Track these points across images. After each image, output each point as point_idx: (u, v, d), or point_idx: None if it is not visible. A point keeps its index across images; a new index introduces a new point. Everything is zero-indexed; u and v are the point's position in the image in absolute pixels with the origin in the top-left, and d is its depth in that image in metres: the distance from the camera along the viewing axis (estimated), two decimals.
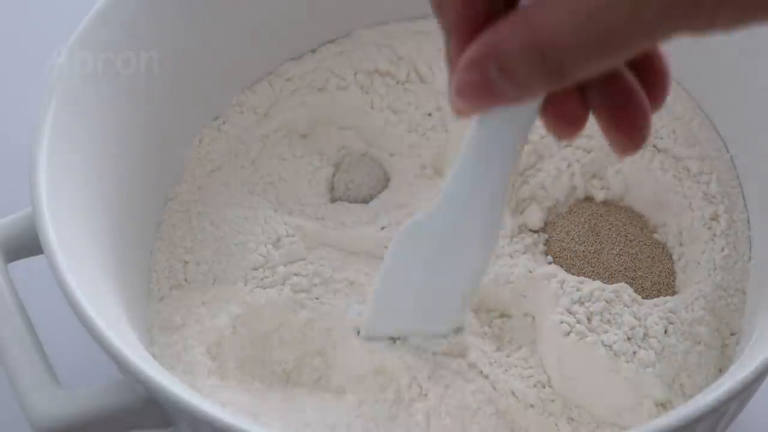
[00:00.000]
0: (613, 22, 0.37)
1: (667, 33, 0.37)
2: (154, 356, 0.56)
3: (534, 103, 0.44)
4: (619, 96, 0.43)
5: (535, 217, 0.61)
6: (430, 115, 0.66)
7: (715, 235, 0.59)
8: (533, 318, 0.58)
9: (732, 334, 0.57)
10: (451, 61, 0.42)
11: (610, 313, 0.56)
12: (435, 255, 0.52)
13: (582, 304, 0.56)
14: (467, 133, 0.46)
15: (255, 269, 0.59)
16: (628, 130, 0.43)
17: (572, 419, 0.55)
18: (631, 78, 0.43)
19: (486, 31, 0.40)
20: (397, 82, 0.66)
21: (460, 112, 0.42)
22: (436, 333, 0.56)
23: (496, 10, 0.41)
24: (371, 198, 0.64)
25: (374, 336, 0.56)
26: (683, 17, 0.37)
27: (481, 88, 0.40)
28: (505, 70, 0.39)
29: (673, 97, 0.64)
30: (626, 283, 0.58)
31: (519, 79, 0.39)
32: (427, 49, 0.66)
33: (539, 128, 0.63)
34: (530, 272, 0.58)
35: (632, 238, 0.61)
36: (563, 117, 0.44)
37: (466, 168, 0.47)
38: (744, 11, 0.36)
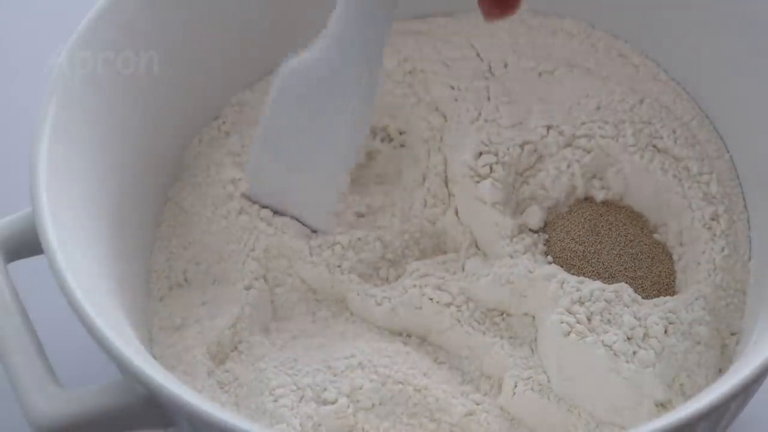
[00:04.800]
0: None
1: None
2: (154, 356, 0.56)
3: None
4: None
5: (535, 217, 0.61)
6: None
7: (715, 235, 0.59)
8: (533, 318, 0.58)
9: (732, 334, 0.57)
10: None
11: (610, 313, 0.56)
12: (315, 103, 0.54)
13: (582, 304, 0.56)
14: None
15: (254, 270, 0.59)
16: None
17: (572, 419, 0.55)
18: None
19: None
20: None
21: None
22: (310, 220, 0.59)
23: None
24: None
25: (255, 198, 0.59)
26: None
27: None
28: None
29: (673, 97, 0.64)
30: (626, 283, 0.58)
31: None
32: (427, 50, 0.66)
33: (539, 128, 0.63)
34: (530, 272, 0.58)
35: (632, 238, 0.61)
36: None
37: (350, 7, 0.50)
38: None
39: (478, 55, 0.66)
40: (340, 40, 0.53)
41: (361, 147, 0.60)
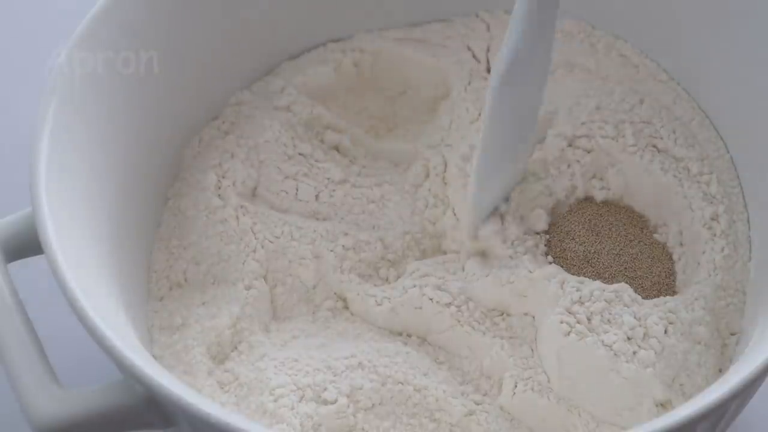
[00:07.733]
0: None
1: None
2: (154, 356, 0.56)
3: None
4: None
5: (541, 221, 0.61)
6: None
7: (715, 235, 0.59)
8: (533, 318, 0.58)
9: (732, 334, 0.57)
10: None
11: (610, 313, 0.56)
12: (520, 98, 0.56)
13: (582, 304, 0.56)
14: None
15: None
16: None
17: (572, 419, 0.55)
18: None
19: None
20: None
21: None
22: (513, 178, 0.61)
23: None
24: None
25: (483, 214, 0.59)
26: None
27: None
28: None
29: (673, 97, 0.64)
30: (626, 283, 0.58)
31: None
32: (425, 55, 0.66)
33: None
34: (530, 272, 0.58)
35: (632, 238, 0.61)
36: None
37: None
38: None
39: (474, 56, 0.66)
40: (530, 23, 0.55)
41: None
